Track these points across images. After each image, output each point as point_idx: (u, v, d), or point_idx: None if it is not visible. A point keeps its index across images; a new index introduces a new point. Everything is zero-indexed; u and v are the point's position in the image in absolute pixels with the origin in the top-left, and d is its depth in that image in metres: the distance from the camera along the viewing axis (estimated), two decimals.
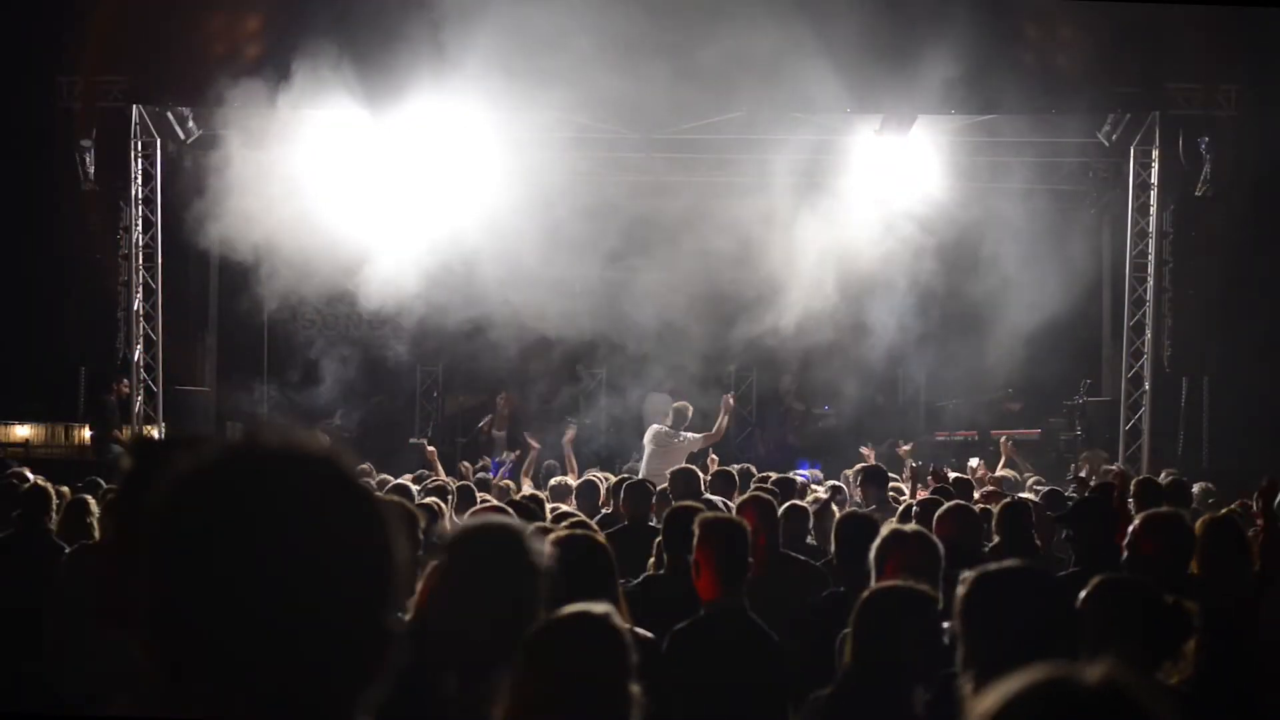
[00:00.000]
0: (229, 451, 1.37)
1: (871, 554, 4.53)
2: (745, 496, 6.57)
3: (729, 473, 9.90)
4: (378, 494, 1.41)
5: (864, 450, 12.32)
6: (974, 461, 12.89)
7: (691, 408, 13.30)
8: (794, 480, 9.99)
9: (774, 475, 10.08)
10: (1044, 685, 1.28)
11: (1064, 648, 2.66)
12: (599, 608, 2.77)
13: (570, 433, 13.32)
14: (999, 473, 11.83)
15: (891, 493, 9.52)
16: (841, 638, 4.02)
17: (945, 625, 3.46)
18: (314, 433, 1.50)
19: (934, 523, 6.43)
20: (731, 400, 13.85)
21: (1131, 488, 7.71)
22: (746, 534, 4.69)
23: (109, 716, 1.75)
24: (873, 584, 4.39)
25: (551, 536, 3.93)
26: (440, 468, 11.80)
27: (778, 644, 4.58)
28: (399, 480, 9.59)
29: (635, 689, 2.69)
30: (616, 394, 17.30)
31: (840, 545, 5.65)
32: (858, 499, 9.30)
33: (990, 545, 7.18)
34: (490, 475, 11.99)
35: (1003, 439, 14.19)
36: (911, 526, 4.78)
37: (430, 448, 12.55)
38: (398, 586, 1.38)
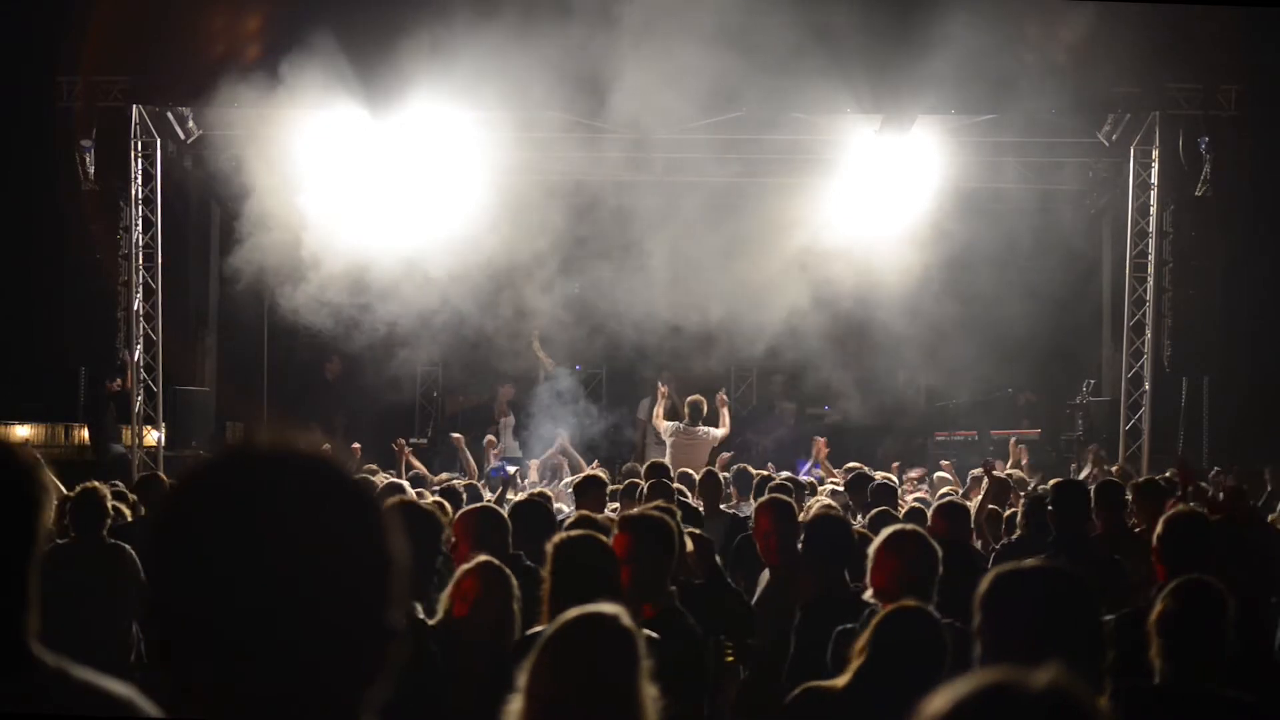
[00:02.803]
0: (226, 455, 1.39)
1: (870, 553, 4.54)
2: (763, 499, 6.50)
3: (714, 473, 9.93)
4: (374, 494, 1.42)
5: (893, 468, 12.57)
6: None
7: (706, 402, 13.37)
8: (800, 481, 10.01)
9: (779, 476, 10.12)
10: (991, 688, 1.31)
11: (1084, 648, 2.66)
12: (610, 608, 2.77)
13: (562, 437, 13.41)
14: (999, 473, 11.80)
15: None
16: (838, 633, 4.01)
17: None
18: (311, 434, 1.51)
19: (929, 521, 6.47)
20: (725, 397, 13.93)
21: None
22: (671, 531, 4.41)
23: (115, 718, 1.75)
24: (866, 582, 4.40)
25: (555, 538, 3.94)
26: (417, 464, 11.87)
27: (703, 641, 4.41)
28: (399, 480, 9.59)
29: (650, 689, 2.69)
30: (616, 393, 17.30)
31: (810, 547, 5.46)
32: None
33: (1013, 538, 7.28)
34: (505, 476, 11.88)
35: (1012, 442, 14.22)
36: (910, 526, 4.79)
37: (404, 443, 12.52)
38: (398, 585, 1.39)
